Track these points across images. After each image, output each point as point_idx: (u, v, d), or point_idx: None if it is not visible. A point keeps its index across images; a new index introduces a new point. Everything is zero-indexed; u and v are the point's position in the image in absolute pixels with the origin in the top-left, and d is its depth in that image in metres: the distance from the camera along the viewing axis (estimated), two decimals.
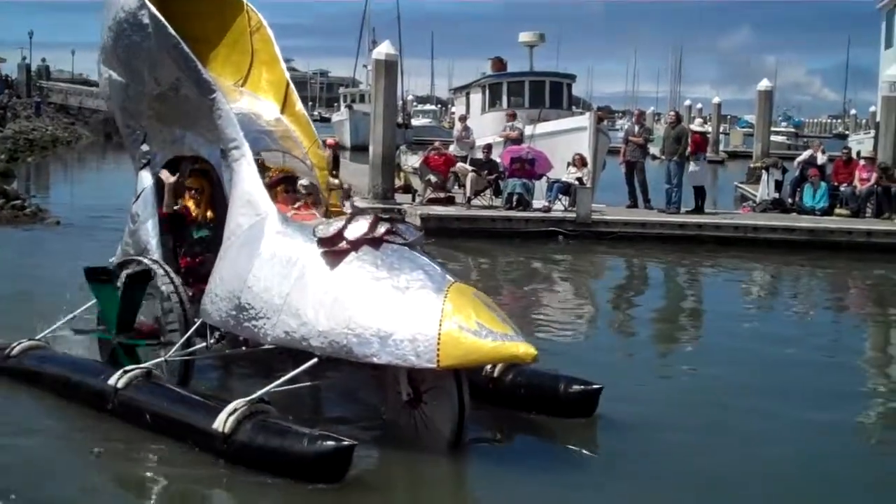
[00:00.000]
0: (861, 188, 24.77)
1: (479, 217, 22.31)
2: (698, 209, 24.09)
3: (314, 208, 9.52)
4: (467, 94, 33.71)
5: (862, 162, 26.11)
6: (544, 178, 23.92)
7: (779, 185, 27.46)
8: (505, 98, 31.09)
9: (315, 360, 7.67)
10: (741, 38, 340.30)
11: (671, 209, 23.68)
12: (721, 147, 61.88)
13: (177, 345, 8.74)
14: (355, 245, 7.73)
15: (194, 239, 9.52)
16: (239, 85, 10.27)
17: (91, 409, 8.49)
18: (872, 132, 32.21)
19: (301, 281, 7.77)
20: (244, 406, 7.45)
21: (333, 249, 7.75)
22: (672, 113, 28.41)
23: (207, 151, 9.81)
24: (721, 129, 68.18)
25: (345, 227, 7.79)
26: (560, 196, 23.31)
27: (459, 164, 24.48)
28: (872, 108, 44.57)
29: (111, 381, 8.33)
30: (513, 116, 27.09)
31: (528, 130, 26.70)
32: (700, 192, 24.42)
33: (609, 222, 22.38)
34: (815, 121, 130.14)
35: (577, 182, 23.20)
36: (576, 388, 8.77)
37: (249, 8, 10.51)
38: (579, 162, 23.89)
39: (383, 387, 8.32)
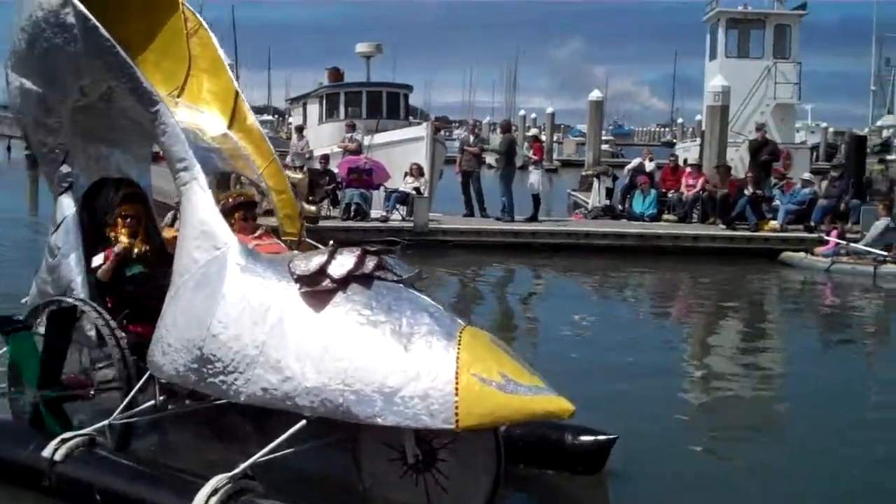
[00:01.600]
0: (687, 194, 25.71)
1: (317, 228, 22.22)
2: (534, 217, 24.59)
3: (274, 237, 8.43)
4: (304, 104, 33.64)
5: (688, 169, 27.12)
6: (382, 188, 24.04)
7: (610, 193, 28.31)
8: (342, 108, 31.14)
9: (303, 422, 6.32)
10: (574, 49, 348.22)
11: (506, 217, 24.11)
12: (555, 156, 63.17)
13: (122, 404, 7.33)
14: (342, 283, 6.49)
15: (126, 277, 8.15)
16: (174, 96, 8.71)
17: (19, 487, 7.14)
18: (698, 140, 33.38)
19: (279, 327, 6.42)
20: (227, 483, 6.21)
21: (316, 289, 6.48)
22: (501, 123, 29.00)
23: (137, 172, 8.81)
24: (555, 139, 69.60)
25: (328, 262, 6.53)
26: (398, 206, 23.50)
27: (289, 174, 24.38)
28: (698, 117, 46.26)
29: (46, 453, 6.93)
30: (352, 127, 27.12)
31: (365, 141, 26.80)
32: (536, 200, 24.94)
33: (446, 231, 22.65)
34: (645, 129, 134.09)
35: (414, 192, 23.42)
36: (585, 438, 7.78)
37: (186, 8, 9.07)
38: (416, 172, 24.12)
39: (358, 446, 6.88)
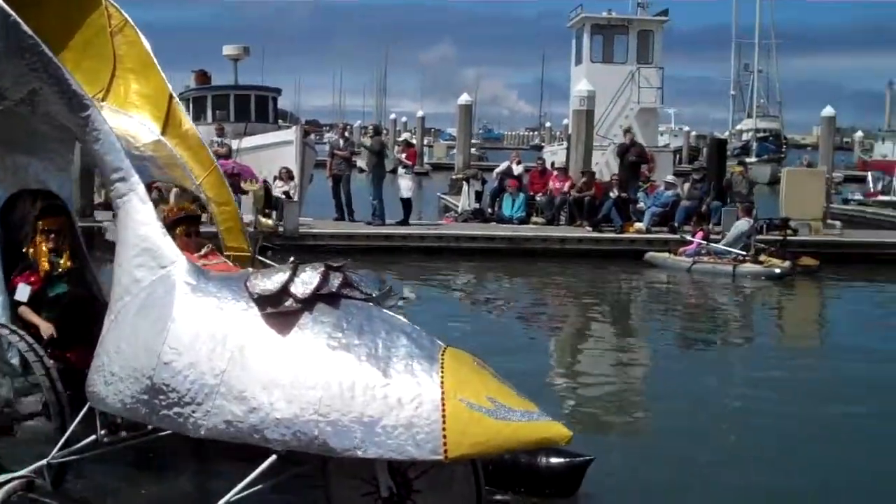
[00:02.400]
0: (555, 197, 26.12)
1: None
2: (405, 220, 24.66)
3: (221, 256, 7.87)
4: None
5: (555, 172, 27.57)
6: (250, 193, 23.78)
7: (479, 196, 28.55)
8: (210, 111, 30.81)
9: (274, 457, 5.83)
10: (443, 53, 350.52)
11: (376, 221, 24.13)
12: (425, 159, 63.44)
13: (60, 440, 6.71)
14: (306, 303, 5.98)
15: (50, 297, 7.48)
16: (99, 99, 7.90)
17: None
18: (565, 143, 33.95)
19: (241, 354, 5.85)
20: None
21: (279, 310, 5.96)
22: (371, 126, 28.98)
23: (58, 183, 8.12)
24: (425, 142, 69.92)
25: (289, 280, 5.99)
26: (266, 210, 23.25)
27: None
28: (565, 121, 47.02)
29: None
30: (221, 131, 26.78)
31: (234, 144, 26.49)
32: (407, 204, 25.01)
33: (317, 235, 22.52)
34: (514, 133, 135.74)
35: (283, 196, 23.23)
36: (558, 459, 7.38)
37: (109, 4, 8.24)
38: (286, 176, 23.94)
39: (327, 480, 6.31)
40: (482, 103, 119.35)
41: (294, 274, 6.05)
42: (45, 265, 7.50)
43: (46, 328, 7.25)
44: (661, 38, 34.83)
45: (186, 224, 7.76)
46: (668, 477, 8.28)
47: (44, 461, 6.71)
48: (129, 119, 8.09)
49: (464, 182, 30.23)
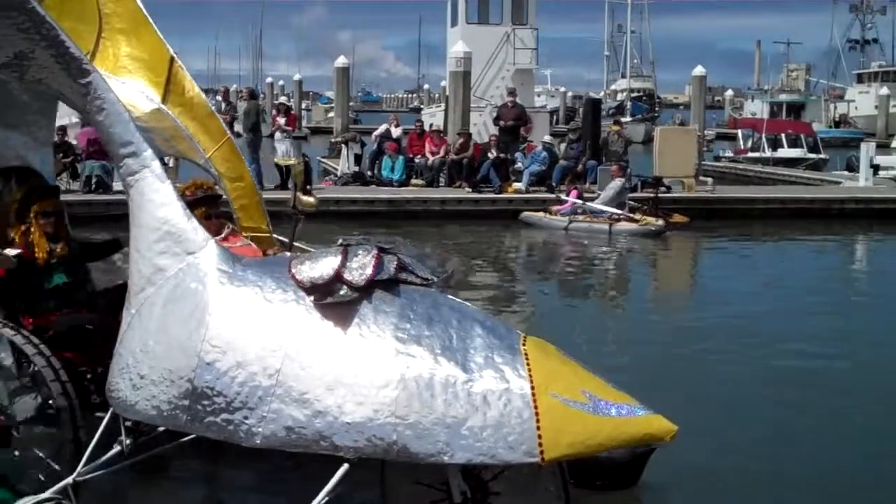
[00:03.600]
0: (433, 159, 26.19)
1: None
2: (283, 185, 24.43)
3: (244, 238, 7.18)
4: None
5: (430, 133, 27.63)
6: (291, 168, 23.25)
7: (358, 159, 28.46)
8: None
9: (346, 466, 5.09)
10: (317, 15, 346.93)
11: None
12: (304, 123, 62.89)
13: (85, 454, 5.90)
14: (363, 291, 5.32)
15: (47, 289, 6.69)
16: None
17: None
18: (443, 105, 34.00)
19: (296, 350, 5.20)
20: None
21: (334, 300, 5.30)
22: (245, 90, 28.57)
23: (40, 158, 7.34)
24: (303, 106, 69.26)
25: (342, 266, 5.33)
26: None
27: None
28: (443, 83, 47.06)
29: None
30: None
31: None
32: (285, 169, 24.79)
33: None
34: (393, 96, 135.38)
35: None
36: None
37: None
38: None
39: (385, 488, 5.76)
40: (359, 66, 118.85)
41: (346, 258, 5.39)
42: (43, 254, 6.68)
43: (9, 255, 6.46)
44: None
45: (207, 204, 7.02)
46: None
47: (69, 480, 5.87)
48: (122, 86, 7.16)
49: (343, 145, 30.08)
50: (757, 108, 68.73)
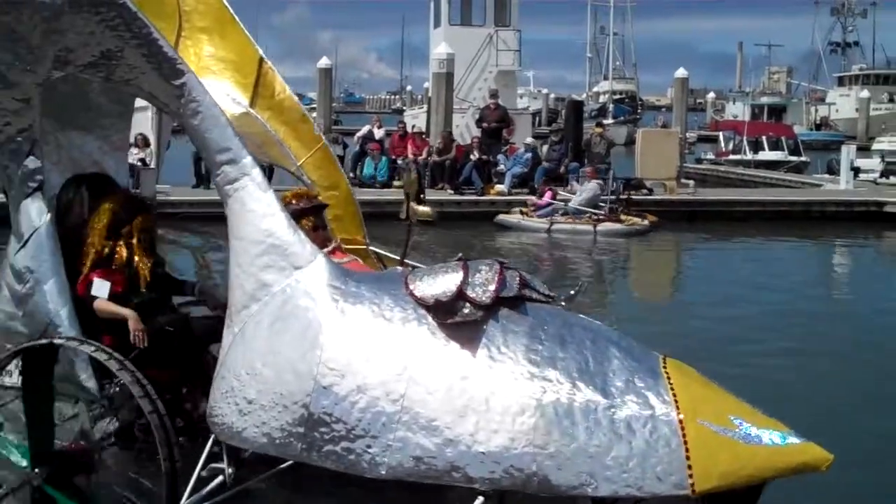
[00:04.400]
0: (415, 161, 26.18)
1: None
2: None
3: (350, 253, 6.75)
4: None
5: (412, 134, 27.63)
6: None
7: (340, 160, 28.38)
8: None
9: (482, 499, 4.78)
10: (298, 14, 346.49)
11: None
12: None
13: (189, 485, 5.42)
14: (487, 310, 4.96)
15: (135, 305, 6.10)
16: None
17: None
18: (426, 107, 34.01)
19: (421, 373, 4.85)
20: None
21: (459, 319, 4.93)
22: None
23: (114, 163, 6.75)
24: None
25: (464, 282, 4.98)
26: None
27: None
28: (426, 84, 47.11)
29: None
30: None
31: None
32: (269, 170, 24.74)
33: (175, 203, 22.09)
34: (375, 97, 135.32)
35: (139, 163, 22.71)
36: None
37: None
38: (142, 142, 23.39)
39: None
40: (342, 66, 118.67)
41: (467, 274, 5.02)
42: (147, 275, 6.18)
43: (133, 319, 5.94)
44: (518, 0, 35.08)
45: (314, 215, 6.56)
46: None
47: None
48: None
49: None
50: (738, 111, 68.84)
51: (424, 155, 26.11)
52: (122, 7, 5.22)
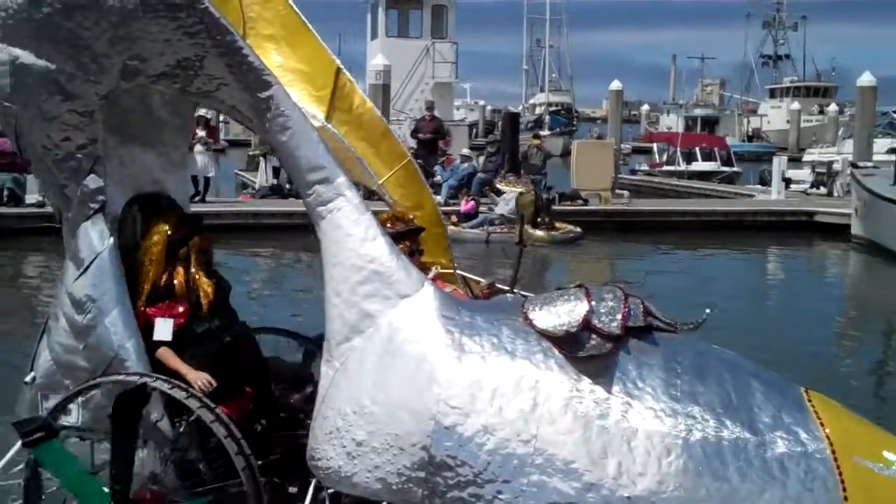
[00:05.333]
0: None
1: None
2: (202, 198, 24.23)
3: (450, 283, 6.32)
4: None
5: None
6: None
7: (276, 172, 28.34)
8: None
9: None
10: None
11: None
12: (222, 136, 62.28)
13: None
14: (616, 341, 4.61)
15: (197, 334, 5.60)
16: None
17: None
18: None
19: (553, 411, 4.47)
20: None
21: (592, 352, 4.58)
22: None
23: (174, 182, 6.15)
24: (221, 119, 68.59)
25: (590, 311, 4.63)
26: None
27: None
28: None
29: None
30: None
31: None
32: (204, 182, 24.59)
33: None
34: None
35: None
36: None
37: None
38: None
39: None
40: None
41: (589, 301, 4.67)
42: (209, 300, 5.63)
43: (201, 379, 5.34)
44: (455, 13, 35.30)
45: (410, 239, 6.16)
46: None
47: None
48: None
49: (261, 158, 29.88)
50: (672, 123, 69.76)
51: None
52: (204, 12, 4.77)
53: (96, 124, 5.37)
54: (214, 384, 5.30)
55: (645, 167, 45.25)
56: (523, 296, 5.38)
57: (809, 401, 4.57)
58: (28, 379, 5.75)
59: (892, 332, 15.48)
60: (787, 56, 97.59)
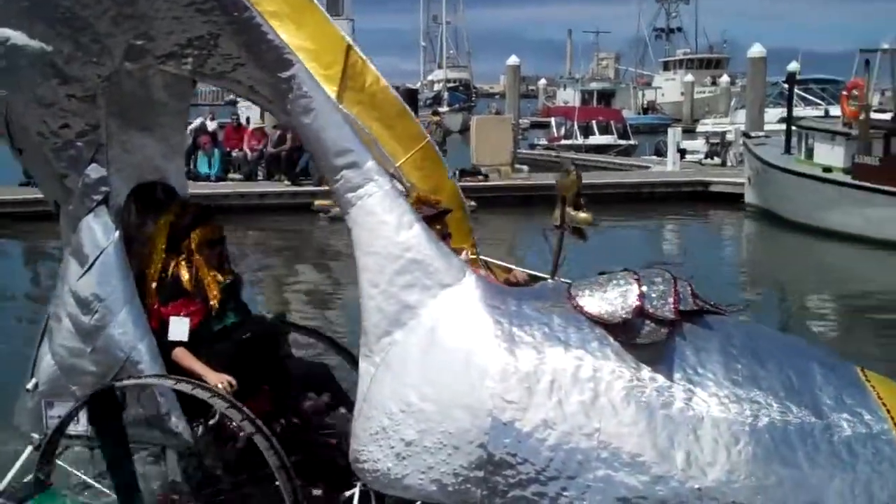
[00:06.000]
0: (252, 154, 25.87)
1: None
2: None
3: (479, 266, 6.05)
4: None
5: (251, 128, 27.23)
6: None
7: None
8: None
9: None
10: None
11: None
12: None
13: None
14: (672, 326, 4.45)
15: (214, 332, 5.31)
16: None
17: None
18: None
19: (614, 402, 4.29)
20: None
21: (647, 340, 4.40)
22: None
23: (175, 170, 5.86)
24: None
25: (641, 296, 4.45)
26: None
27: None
28: None
29: None
30: None
31: None
32: None
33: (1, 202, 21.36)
34: (209, 89, 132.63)
35: None
36: None
37: None
38: None
39: None
40: None
41: (640, 285, 4.48)
42: (217, 295, 5.32)
43: (222, 381, 5.02)
44: None
45: (440, 223, 5.78)
46: None
47: None
48: None
49: None
50: (569, 97, 70.23)
51: (261, 146, 25.82)
52: None
53: (98, 109, 5.03)
54: (236, 385, 4.99)
55: (543, 141, 45.47)
56: (564, 282, 5.14)
57: (867, 380, 4.47)
58: (30, 386, 5.33)
59: (784, 295, 15.93)
60: (680, 29, 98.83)
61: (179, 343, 5.13)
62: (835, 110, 28.89)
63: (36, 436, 5.18)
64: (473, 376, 4.37)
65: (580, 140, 42.34)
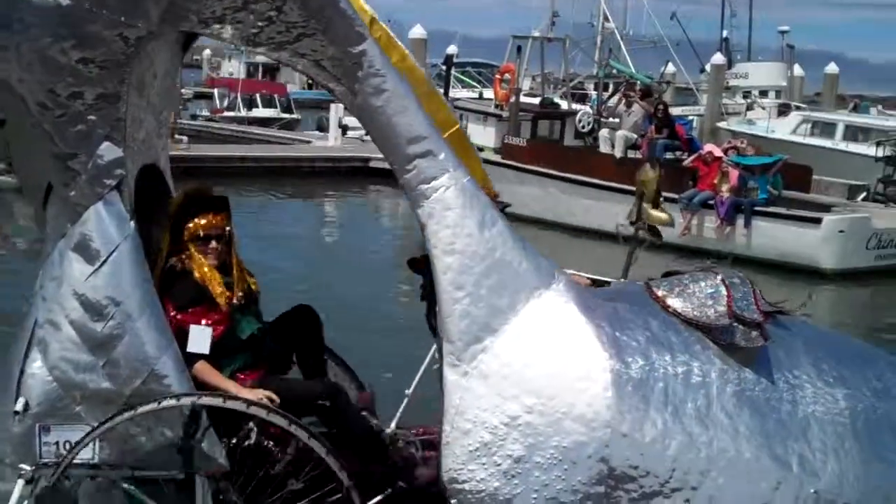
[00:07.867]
0: None
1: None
2: None
3: None
4: None
5: None
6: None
7: None
8: None
9: None
10: None
11: None
12: None
13: None
14: (760, 328, 4.25)
15: (238, 341, 4.67)
16: None
17: None
18: None
19: (728, 408, 4.11)
20: None
21: (743, 343, 4.21)
22: None
23: (164, 151, 5.17)
24: None
25: (730, 296, 4.26)
26: None
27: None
28: None
29: None
30: None
31: None
32: None
33: None
34: None
35: None
36: None
37: None
38: None
39: None
40: None
41: (727, 287, 4.32)
42: (223, 293, 4.64)
43: (259, 397, 4.41)
44: None
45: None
46: None
47: None
48: None
49: None
50: (234, 69, 69.53)
51: None
52: None
53: (120, 78, 4.23)
54: (277, 401, 4.42)
55: (206, 113, 44.85)
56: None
57: None
58: (18, 407, 4.36)
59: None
60: None
61: (199, 356, 4.50)
62: (489, 93, 30.22)
63: (26, 467, 4.30)
64: (582, 385, 4.12)
65: (243, 112, 42.11)
